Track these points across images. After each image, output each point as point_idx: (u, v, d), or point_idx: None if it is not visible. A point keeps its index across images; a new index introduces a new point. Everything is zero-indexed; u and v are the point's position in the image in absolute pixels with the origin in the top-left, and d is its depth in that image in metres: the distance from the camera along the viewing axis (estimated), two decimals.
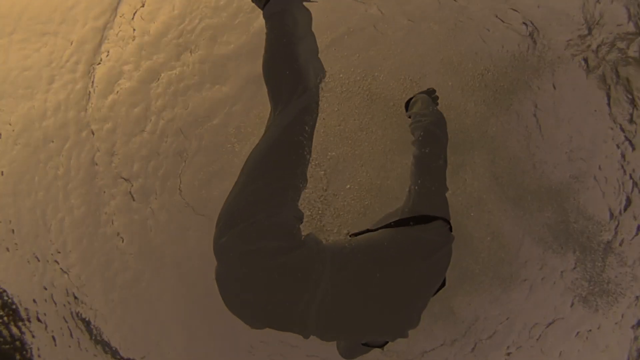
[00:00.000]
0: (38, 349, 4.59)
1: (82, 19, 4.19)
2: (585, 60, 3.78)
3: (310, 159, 1.51)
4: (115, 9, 4.19)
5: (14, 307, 4.42)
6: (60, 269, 4.55)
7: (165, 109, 4.34)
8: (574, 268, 4.16)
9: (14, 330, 4.41)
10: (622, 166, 3.91)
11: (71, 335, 4.63)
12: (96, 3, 4.17)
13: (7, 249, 4.51)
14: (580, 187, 4.04)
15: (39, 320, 4.49)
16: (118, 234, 4.53)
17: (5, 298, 4.41)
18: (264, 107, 3.80)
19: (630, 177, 3.93)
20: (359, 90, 3.94)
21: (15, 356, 4.40)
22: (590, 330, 4.33)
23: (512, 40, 3.83)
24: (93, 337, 4.62)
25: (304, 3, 1.52)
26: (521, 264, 4.26)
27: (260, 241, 1.33)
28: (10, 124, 4.40)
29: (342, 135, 4.02)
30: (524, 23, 3.83)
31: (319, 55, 1.57)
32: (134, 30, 4.28)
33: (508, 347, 4.52)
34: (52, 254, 4.54)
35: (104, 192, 4.49)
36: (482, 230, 4.19)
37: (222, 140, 4.25)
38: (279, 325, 1.43)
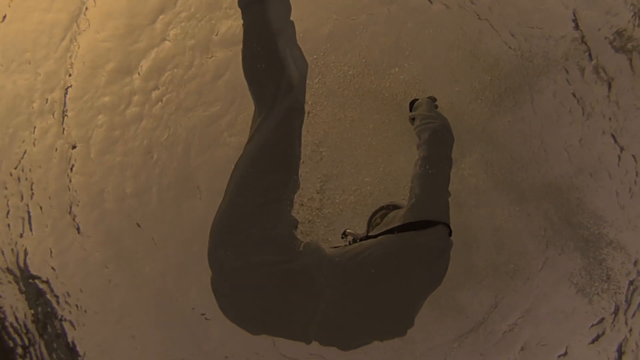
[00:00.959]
0: None
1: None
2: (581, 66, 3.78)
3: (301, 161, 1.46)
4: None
5: None
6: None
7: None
8: (576, 262, 4.17)
9: None
10: (620, 158, 3.94)
11: None
12: None
13: None
14: (581, 183, 4.04)
15: None
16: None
17: None
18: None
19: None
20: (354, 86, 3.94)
21: None
22: (594, 324, 4.32)
23: (517, 39, 3.85)
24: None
25: None
26: (522, 259, 4.27)
27: (257, 256, 1.32)
28: None
29: (334, 131, 4.02)
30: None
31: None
32: None
33: (517, 342, 4.51)
34: None
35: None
36: (484, 225, 4.20)
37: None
38: (280, 334, 1.45)
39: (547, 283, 4.32)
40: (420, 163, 1.57)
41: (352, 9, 4.02)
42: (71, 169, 4.42)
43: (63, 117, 4.36)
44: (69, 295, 4.52)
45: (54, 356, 4.53)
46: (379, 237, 1.48)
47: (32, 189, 4.43)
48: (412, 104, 1.83)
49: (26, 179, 4.41)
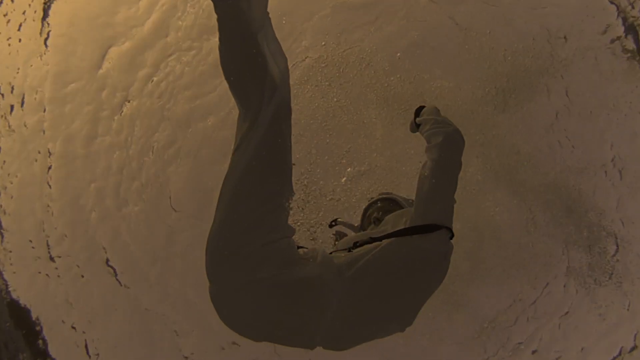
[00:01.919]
0: None
1: None
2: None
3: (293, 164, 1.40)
4: None
5: None
6: None
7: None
8: (580, 257, 4.19)
9: None
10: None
11: None
12: None
13: None
14: (583, 179, 4.05)
15: None
16: None
17: None
18: None
19: None
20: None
21: None
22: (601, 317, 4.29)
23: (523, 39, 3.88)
24: None
25: None
26: (526, 254, 4.27)
27: (259, 272, 1.28)
28: None
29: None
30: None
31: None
32: None
33: (527, 339, 4.49)
34: None
35: None
36: (486, 220, 4.18)
37: None
38: (285, 343, 1.43)
39: (548, 277, 4.32)
40: (430, 165, 1.54)
41: None
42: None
43: None
44: None
45: None
46: (384, 242, 1.46)
47: None
48: (418, 110, 1.81)
49: None
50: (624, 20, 3.75)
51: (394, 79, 3.94)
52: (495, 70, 3.91)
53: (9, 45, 4.28)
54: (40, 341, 4.56)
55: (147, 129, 4.41)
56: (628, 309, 4.18)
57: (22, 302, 4.60)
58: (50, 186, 4.48)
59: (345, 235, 2.35)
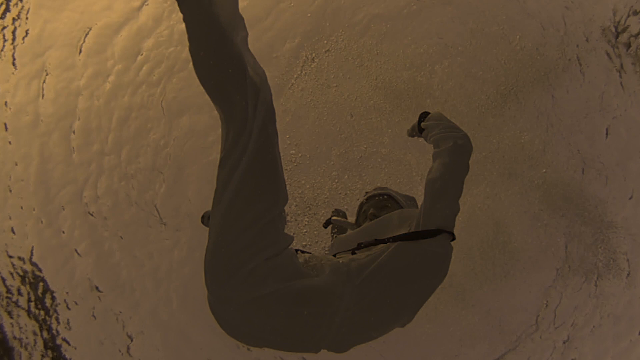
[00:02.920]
0: None
1: None
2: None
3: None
4: None
5: None
6: None
7: None
8: (581, 251, 4.25)
9: None
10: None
11: None
12: None
13: None
14: (585, 176, 4.10)
15: None
16: None
17: None
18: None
19: None
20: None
21: None
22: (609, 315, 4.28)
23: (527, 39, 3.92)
24: None
25: None
26: (526, 250, 4.31)
27: (264, 287, 1.26)
28: None
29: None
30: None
31: None
32: None
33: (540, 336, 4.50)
34: None
35: None
36: (487, 218, 4.22)
37: None
38: (291, 350, 1.42)
39: (551, 274, 4.37)
40: (439, 169, 1.55)
41: None
42: None
43: None
44: None
45: None
46: (391, 246, 1.46)
47: None
48: (423, 115, 1.81)
49: None
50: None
51: None
52: (502, 67, 3.94)
53: None
54: None
55: None
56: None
57: None
58: None
59: (342, 226, 2.34)
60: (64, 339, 4.50)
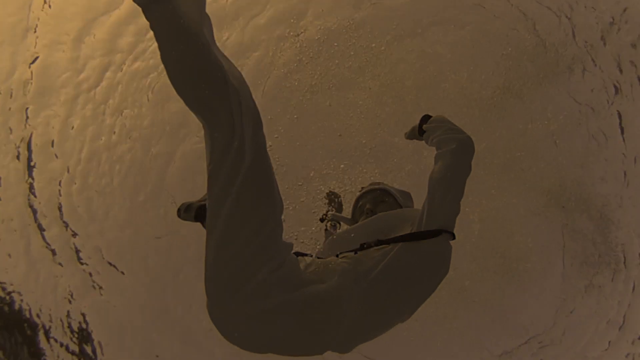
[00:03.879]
0: None
1: None
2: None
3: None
4: None
5: None
6: None
7: None
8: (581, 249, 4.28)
9: None
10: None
11: None
12: None
13: None
14: (585, 175, 4.13)
15: None
16: None
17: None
18: None
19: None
20: None
21: None
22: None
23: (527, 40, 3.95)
24: None
25: None
26: (526, 250, 4.33)
27: (271, 300, 1.24)
28: None
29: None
30: None
31: None
32: None
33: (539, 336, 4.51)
34: None
35: None
36: (487, 217, 4.22)
37: None
38: (296, 354, 1.42)
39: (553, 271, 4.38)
40: (442, 170, 1.57)
41: None
42: None
43: None
44: None
45: None
46: (395, 248, 1.48)
47: None
48: (425, 118, 1.82)
49: None
50: None
51: None
52: (505, 66, 3.96)
53: None
54: None
55: None
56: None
57: None
58: None
59: (340, 221, 2.35)
60: None
